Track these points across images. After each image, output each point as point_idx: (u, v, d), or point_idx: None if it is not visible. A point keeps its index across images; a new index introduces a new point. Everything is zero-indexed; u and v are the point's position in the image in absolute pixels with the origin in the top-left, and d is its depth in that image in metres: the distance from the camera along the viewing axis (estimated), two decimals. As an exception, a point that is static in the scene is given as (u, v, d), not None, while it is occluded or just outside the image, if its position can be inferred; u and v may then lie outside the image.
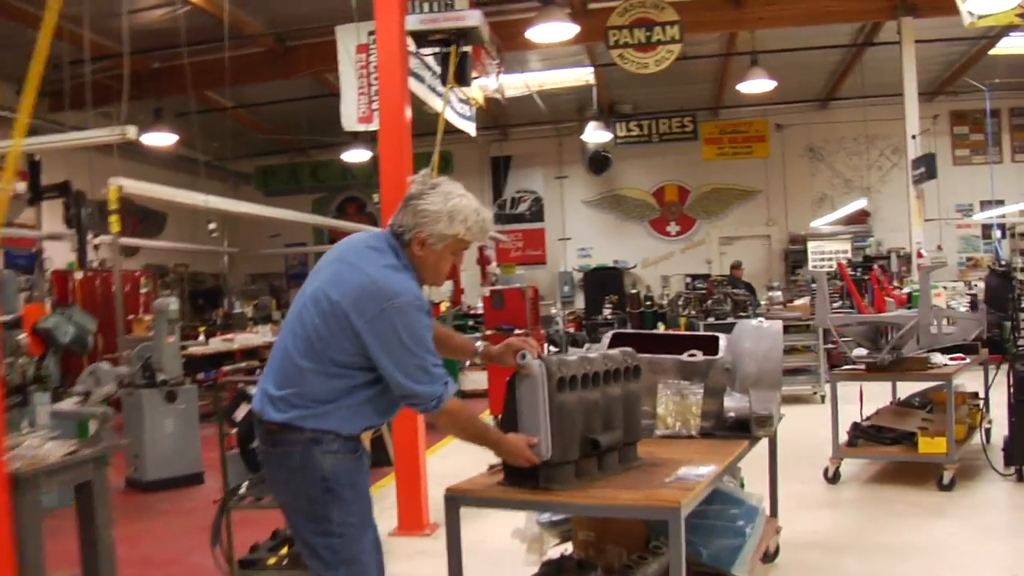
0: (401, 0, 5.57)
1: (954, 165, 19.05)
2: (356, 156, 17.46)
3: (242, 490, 4.36)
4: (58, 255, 13.00)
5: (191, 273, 19.94)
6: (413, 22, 5.96)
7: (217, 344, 12.47)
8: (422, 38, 6.15)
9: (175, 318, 7.81)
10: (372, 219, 19.98)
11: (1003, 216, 18.43)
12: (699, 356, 3.90)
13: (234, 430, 4.57)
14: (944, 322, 7.39)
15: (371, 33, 10.60)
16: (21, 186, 8.59)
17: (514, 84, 15.04)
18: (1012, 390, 6.50)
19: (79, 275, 12.66)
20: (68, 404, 4.73)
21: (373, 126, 10.60)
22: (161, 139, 14.93)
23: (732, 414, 3.78)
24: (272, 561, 4.58)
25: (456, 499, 3.13)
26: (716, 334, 4.06)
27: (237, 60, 13.41)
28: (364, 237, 3.20)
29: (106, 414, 4.16)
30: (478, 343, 3.47)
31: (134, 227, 18.39)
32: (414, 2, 6.37)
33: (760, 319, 3.93)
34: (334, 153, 18.87)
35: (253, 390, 4.59)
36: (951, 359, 6.85)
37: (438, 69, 8.25)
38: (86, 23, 9.61)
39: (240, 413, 4.47)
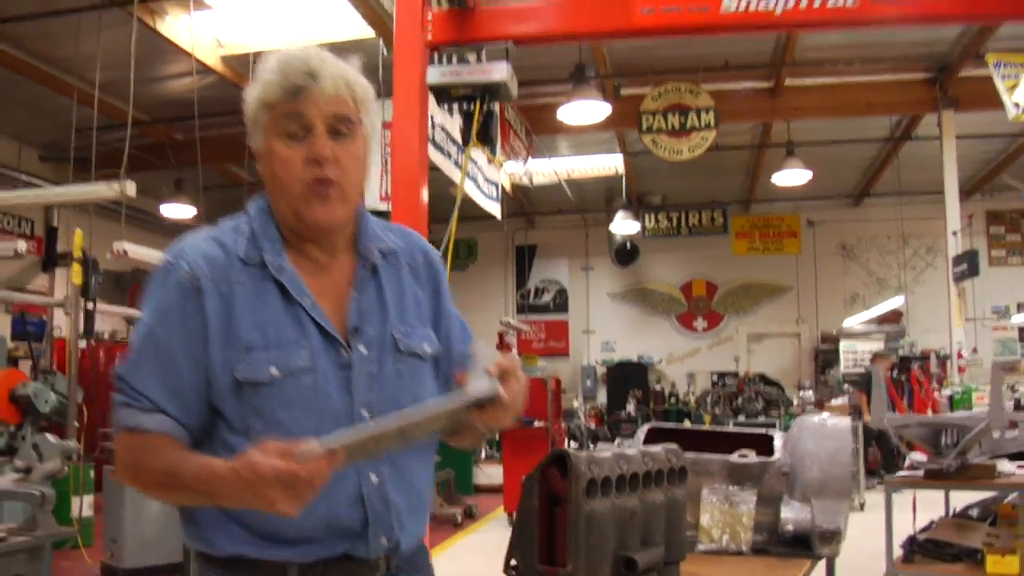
0: (422, 47, 5.16)
1: (990, 266, 18.58)
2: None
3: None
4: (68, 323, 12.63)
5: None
6: (434, 75, 5.52)
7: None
8: (444, 93, 5.70)
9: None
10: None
11: (1040, 319, 18.01)
12: (752, 457, 3.33)
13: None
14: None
15: (397, 110, 10.31)
16: (22, 245, 8.24)
17: (542, 170, 14.75)
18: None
19: (82, 344, 12.23)
20: (5, 481, 4.15)
21: (395, 205, 10.24)
22: (180, 211, 14.70)
23: (790, 527, 3.20)
24: None
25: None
26: (770, 432, 3.50)
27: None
28: None
29: (45, 495, 3.57)
30: None
31: (148, 298, 18.09)
32: (436, 55, 5.90)
33: (824, 416, 3.34)
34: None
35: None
36: (1018, 467, 6.22)
37: (448, 128, 7.80)
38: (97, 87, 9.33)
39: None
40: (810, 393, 14.30)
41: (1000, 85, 10.74)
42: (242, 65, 11.15)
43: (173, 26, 10.02)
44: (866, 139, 15.17)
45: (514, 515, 2.52)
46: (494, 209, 11.13)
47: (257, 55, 10.63)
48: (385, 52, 9.55)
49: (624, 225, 17.46)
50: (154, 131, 13.65)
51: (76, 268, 7.61)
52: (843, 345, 18.43)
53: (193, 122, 12.93)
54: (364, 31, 9.63)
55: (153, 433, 1.70)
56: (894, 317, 18.62)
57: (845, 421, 3.34)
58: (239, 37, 10.92)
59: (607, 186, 17.59)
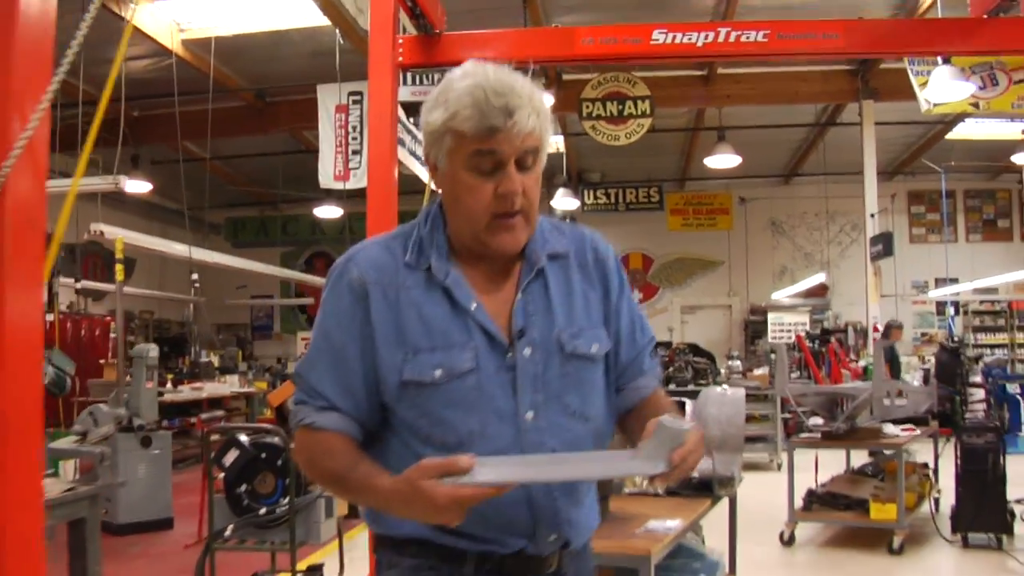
0: (394, 69, 5.87)
1: (910, 243, 19.69)
2: (327, 212, 17.66)
3: (227, 532, 4.54)
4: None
5: (156, 320, 19.95)
6: (405, 93, 6.26)
7: (187, 392, 12.57)
8: (413, 108, 6.44)
9: (154, 364, 7.99)
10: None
11: (957, 294, 19.00)
12: (667, 419, 4.16)
13: (222, 475, 4.77)
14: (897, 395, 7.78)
15: (351, 94, 10.92)
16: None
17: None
18: (960, 461, 6.89)
19: (49, 317, 12.71)
20: (65, 443, 4.87)
21: (349, 184, 10.89)
22: (137, 187, 15.08)
23: (696, 475, 4.04)
24: (252, 602, 4.79)
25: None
26: (683, 399, 4.32)
27: (217, 113, 13.70)
28: None
29: (104, 454, 4.34)
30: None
31: (102, 272, 18.46)
32: (406, 74, 6.64)
33: (724, 387, 4.19)
34: (305, 208, 19.06)
35: (243, 436, 4.84)
36: (902, 430, 7.22)
37: (418, 133, 8.63)
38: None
39: (229, 458, 4.66)
40: (738, 363, 15.13)
41: (913, 81, 11.53)
42: (200, 47, 11.67)
43: (136, 11, 10.48)
44: (793, 124, 15.97)
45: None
46: (445, 191, 11.84)
47: (217, 39, 11.23)
48: (341, 40, 10.17)
49: (564, 201, 18.07)
50: (111, 108, 14.06)
51: (120, 267, 8.18)
52: (771, 317, 19.27)
53: (148, 100, 13.45)
54: (320, 20, 10.16)
55: (327, 431, 1.82)
56: (820, 290, 19.49)
57: (741, 391, 4.19)
58: (199, 22, 11.39)
59: (548, 164, 17.98)
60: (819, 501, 7.30)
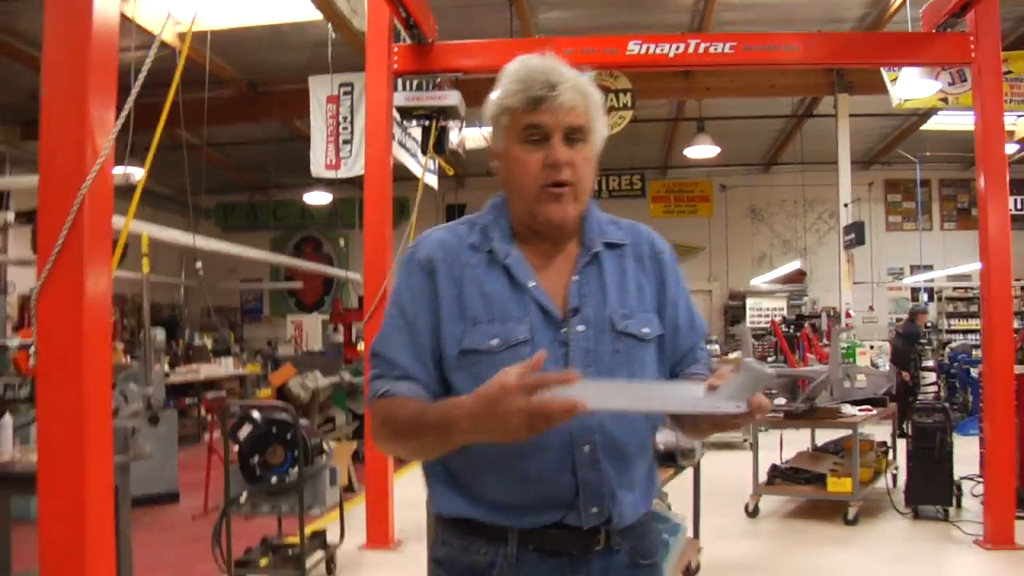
0: (389, 75, 6.32)
1: (887, 231, 20.17)
2: (316, 198, 18.06)
3: (242, 499, 5.01)
4: (22, 280, 13.31)
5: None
6: (400, 99, 6.72)
7: (189, 374, 12.98)
8: (407, 113, 6.90)
9: (161, 347, 8.43)
10: (329, 259, 20.59)
11: (931, 280, 19.51)
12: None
13: (236, 447, 5.24)
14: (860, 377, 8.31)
15: (342, 85, 11.31)
16: (11, 216, 9.15)
17: (474, 137, 15.75)
18: (911, 439, 7.43)
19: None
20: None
21: (340, 173, 11.29)
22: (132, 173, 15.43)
23: (661, 447, 4.53)
24: (264, 563, 5.29)
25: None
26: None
27: (210, 102, 14.03)
28: None
29: (135, 428, 4.80)
30: None
31: (95, 257, 18.80)
32: (401, 80, 7.10)
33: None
34: (295, 193, 19.43)
35: (255, 413, 5.31)
36: (860, 410, 7.74)
37: (409, 129, 9.11)
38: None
39: (243, 432, 5.13)
40: (716, 347, 15.63)
41: (885, 76, 11.97)
42: (195, 39, 11.98)
43: (135, 5, 10.80)
44: (771, 115, 16.37)
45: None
46: (432, 181, 12.26)
47: (213, 32, 11.58)
48: (333, 34, 10.55)
49: (549, 188, 18.48)
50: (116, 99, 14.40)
51: (145, 260, 8.58)
52: (750, 302, 19.74)
53: (144, 90, 13.75)
54: (313, 14, 10.51)
55: (404, 396, 1.89)
56: (798, 276, 19.88)
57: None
58: (196, 15, 11.69)
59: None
60: (782, 476, 7.85)
